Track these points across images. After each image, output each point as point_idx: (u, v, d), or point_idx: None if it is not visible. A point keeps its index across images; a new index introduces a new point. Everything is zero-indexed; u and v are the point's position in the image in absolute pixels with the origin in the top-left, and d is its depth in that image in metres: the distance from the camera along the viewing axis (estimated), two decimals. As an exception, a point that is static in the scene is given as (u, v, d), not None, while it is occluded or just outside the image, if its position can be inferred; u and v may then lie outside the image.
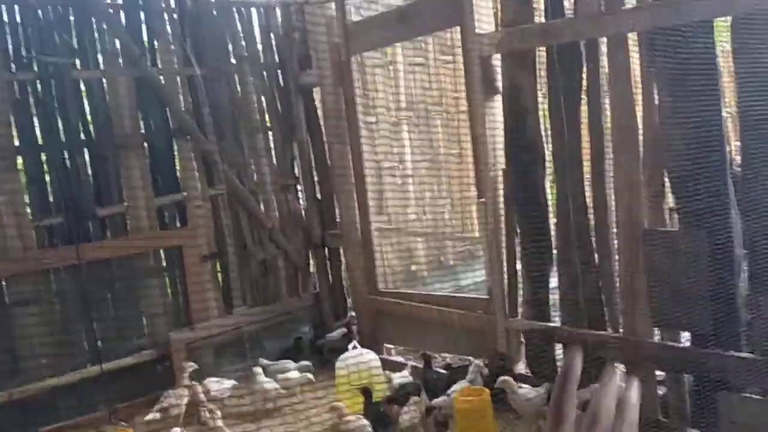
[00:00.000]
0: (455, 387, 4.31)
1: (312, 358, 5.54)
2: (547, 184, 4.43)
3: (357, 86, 5.80)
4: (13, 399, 4.72)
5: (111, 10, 5.27)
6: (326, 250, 6.34)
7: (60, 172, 5.04)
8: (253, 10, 5.99)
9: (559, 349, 4.54)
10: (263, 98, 6.07)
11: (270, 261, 6.05)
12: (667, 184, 3.75)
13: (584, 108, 4.09)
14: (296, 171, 6.29)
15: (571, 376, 0.90)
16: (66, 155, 5.09)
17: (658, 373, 3.99)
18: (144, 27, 5.44)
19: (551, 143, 4.29)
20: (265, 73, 6.06)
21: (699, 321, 3.60)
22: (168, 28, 5.48)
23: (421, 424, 4.21)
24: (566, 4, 4.12)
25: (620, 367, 3.84)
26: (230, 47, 5.84)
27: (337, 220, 6.14)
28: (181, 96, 5.52)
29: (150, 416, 4.61)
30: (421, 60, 7.31)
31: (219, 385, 4.89)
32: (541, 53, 4.28)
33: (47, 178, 5.05)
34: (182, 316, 5.55)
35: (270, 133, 6.14)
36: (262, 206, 6.01)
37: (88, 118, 5.23)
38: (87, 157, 5.22)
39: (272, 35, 6.11)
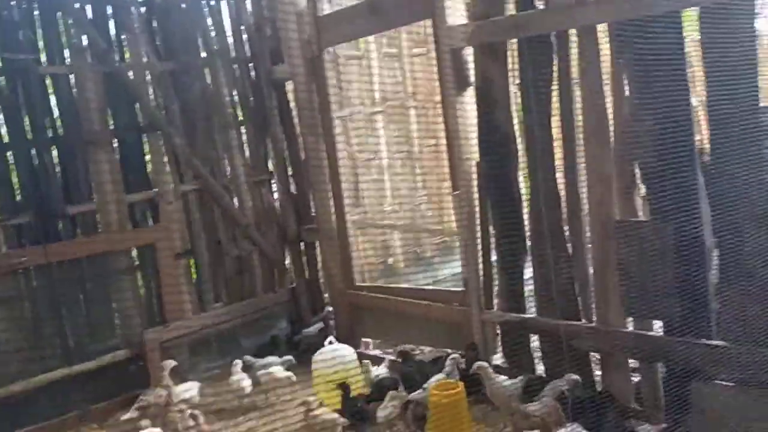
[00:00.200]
0: (432, 380, 4.31)
1: (289, 354, 5.51)
2: (520, 177, 4.44)
3: (330, 79, 5.75)
4: (-17, 402, 4.64)
5: (77, 5, 5.17)
6: (302, 245, 6.30)
7: (27, 170, 4.95)
8: (223, 4, 5.91)
9: (534, 341, 4.56)
10: (235, 92, 6.00)
11: (245, 257, 6.00)
12: (638, 175, 3.78)
13: (557, 100, 4.10)
14: (270, 166, 6.24)
15: None
16: (33, 153, 4.99)
17: (631, 361, 4.04)
18: (111, 21, 5.33)
19: (523, 135, 4.30)
20: (236, 66, 5.99)
21: (670, 310, 3.64)
22: (136, 22, 5.39)
23: (400, 418, 4.22)
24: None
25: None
26: (200, 41, 5.76)
27: (313, 214, 6.10)
28: (151, 91, 5.44)
29: (128, 415, 4.57)
30: (394, 51, 7.30)
31: (188, 391, 4.79)
32: (513, 45, 4.28)
33: (14, 176, 4.95)
34: (156, 315, 5.49)
35: (243, 127, 6.08)
36: (235, 202, 5.96)
37: (56, 114, 5.14)
38: (55, 155, 5.13)
39: (243, 29, 6.04)
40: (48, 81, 5.12)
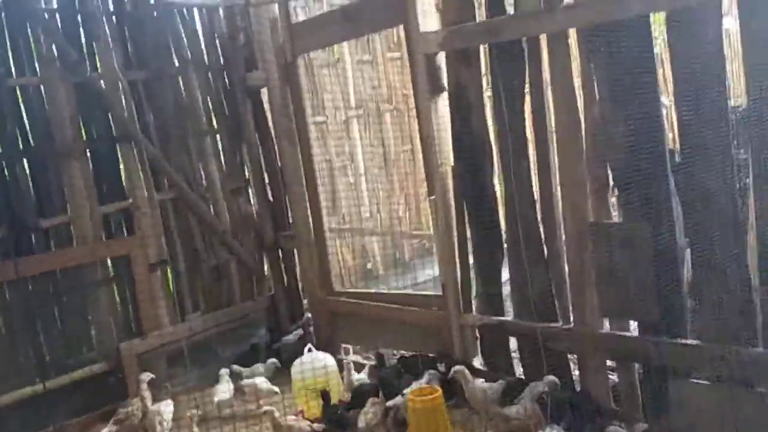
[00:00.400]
0: (413, 386, 4.31)
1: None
2: (495, 180, 4.47)
3: (305, 86, 5.74)
4: (-44, 420, 4.56)
5: (46, 15, 5.10)
6: (280, 252, 6.28)
7: (-2, 184, 4.88)
8: (196, 12, 5.87)
9: (513, 343, 4.59)
10: (209, 100, 5.97)
11: (222, 265, 5.97)
12: (611, 176, 3.82)
13: (529, 104, 4.14)
14: (246, 173, 6.21)
15: None
16: (4, 165, 4.92)
17: (609, 362, 4.08)
18: (82, 31, 5.27)
19: (497, 140, 4.33)
20: (210, 74, 5.96)
21: (645, 310, 3.68)
22: (107, 31, 5.33)
23: (381, 424, 4.22)
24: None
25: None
26: (173, 49, 5.72)
27: (290, 221, 6.08)
28: (124, 100, 5.38)
29: (106, 430, 4.51)
30: (369, 57, 7.32)
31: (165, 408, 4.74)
32: (485, 50, 4.31)
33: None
34: (133, 326, 5.43)
35: (218, 135, 6.05)
36: (212, 210, 5.92)
37: (27, 126, 5.06)
38: (27, 167, 5.05)
39: (216, 36, 6.01)
40: (17, 92, 5.04)
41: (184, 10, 5.80)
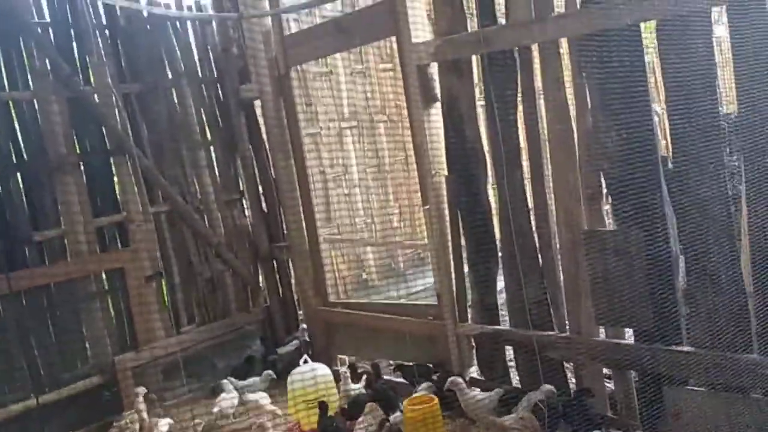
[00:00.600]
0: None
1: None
2: (489, 189, 4.48)
3: (298, 97, 5.76)
4: (-50, 437, 4.53)
5: (39, 29, 5.11)
6: (275, 263, 6.27)
7: (-9, 198, 4.86)
8: (189, 25, 5.89)
9: (509, 352, 4.59)
10: (203, 113, 5.98)
11: (217, 277, 5.96)
12: (604, 184, 3.84)
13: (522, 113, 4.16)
14: (240, 185, 6.22)
15: None
16: (-3, 180, 4.91)
17: (605, 370, 4.09)
18: (75, 45, 5.28)
19: (490, 149, 4.34)
20: (203, 87, 5.97)
21: (640, 317, 3.69)
22: (100, 45, 5.34)
23: (377, 436, 4.21)
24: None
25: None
26: (166, 62, 5.73)
27: (285, 232, 6.08)
28: (117, 113, 5.38)
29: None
30: (362, 68, 7.34)
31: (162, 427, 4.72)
32: (477, 60, 4.33)
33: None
34: (128, 339, 5.41)
35: (212, 147, 6.05)
36: (206, 222, 5.91)
37: (20, 140, 5.06)
38: (20, 181, 5.04)
39: (209, 49, 6.03)
40: (10, 106, 5.03)
41: (177, 24, 5.81)
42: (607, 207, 4.08)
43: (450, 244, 4.61)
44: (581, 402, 3.84)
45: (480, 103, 4.50)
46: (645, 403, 3.80)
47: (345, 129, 7.22)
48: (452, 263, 4.63)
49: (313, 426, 4.48)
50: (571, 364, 4.23)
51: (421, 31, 4.49)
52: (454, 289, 4.65)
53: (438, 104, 4.53)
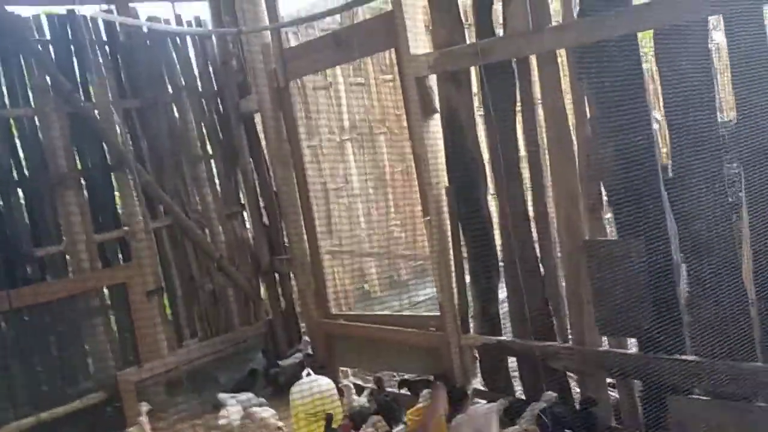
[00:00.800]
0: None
1: (267, 386, 5.46)
2: (490, 199, 4.48)
3: (298, 110, 5.77)
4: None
5: (39, 46, 5.13)
6: (276, 276, 6.27)
7: (-7, 215, 4.87)
8: (188, 40, 5.92)
9: (512, 362, 4.57)
10: (203, 127, 6.00)
11: (219, 291, 5.95)
12: (604, 193, 3.84)
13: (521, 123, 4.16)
14: (241, 198, 6.22)
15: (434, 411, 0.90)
16: (-2, 196, 4.93)
17: (609, 379, 4.07)
18: (75, 61, 5.30)
19: (489, 159, 4.35)
20: (203, 101, 6.00)
21: (643, 326, 3.67)
22: (100, 60, 5.37)
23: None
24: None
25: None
26: (166, 77, 5.76)
27: (286, 245, 6.08)
28: (118, 129, 5.40)
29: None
30: (362, 80, 7.37)
31: None
32: (476, 71, 4.35)
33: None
34: (130, 355, 5.40)
35: (212, 161, 6.07)
36: (208, 236, 5.92)
37: (21, 156, 5.08)
38: (21, 197, 5.06)
39: (209, 63, 6.06)
40: (11, 123, 5.06)
41: (177, 39, 5.84)
42: (608, 216, 4.08)
43: (451, 254, 4.60)
44: (587, 412, 3.82)
45: (479, 113, 4.51)
46: (649, 413, 3.78)
47: (345, 140, 7.24)
48: (454, 274, 4.63)
49: (317, 438, 4.47)
50: (575, 374, 4.21)
51: (420, 42, 4.51)
52: (456, 299, 4.64)
53: (437, 115, 4.54)
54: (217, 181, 6.05)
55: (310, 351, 5.80)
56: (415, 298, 6.38)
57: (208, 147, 6.04)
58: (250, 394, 5.15)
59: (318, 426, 4.45)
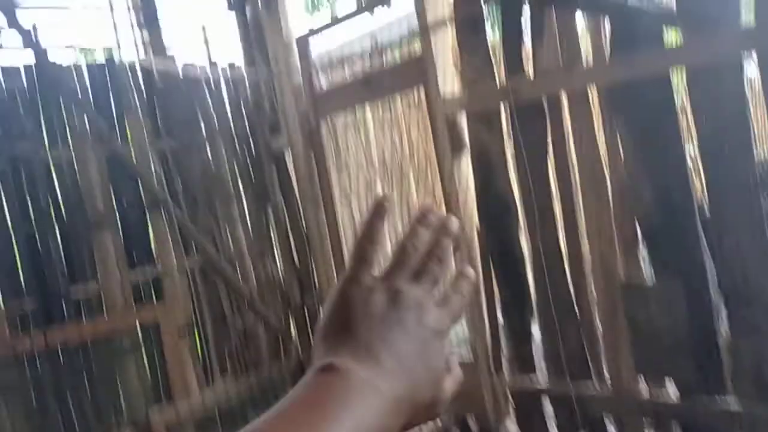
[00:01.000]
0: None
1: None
2: (522, 238, 4.44)
3: (328, 148, 5.84)
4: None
5: (79, 90, 5.29)
6: (306, 313, 6.27)
7: (31, 255, 4.97)
8: (222, 83, 6.06)
9: (547, 404, 4.48)
10: (236, 166, 6.10)
11: (250, 329, 5.97)
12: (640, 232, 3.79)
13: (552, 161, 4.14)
14: (272, 236, 6.27)
15: (376, 216, 0.83)
16: (37, 237, 5.03)
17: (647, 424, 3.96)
18: (113, 104, 5.45)
19: (520, 197, 4.33)
20: (236, 141, 6.10)
21: (682, 369, 3.58)
22: (137, 103, 5.51)
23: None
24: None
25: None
26: (200, 119, 5.88)
27: (316, 283, 6.09)
28: (153, 169, 5.51)
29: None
30: (390, 117, 7.42)
31: None
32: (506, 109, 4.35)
33: (18, 261, 4.97)
34: (161, 393, 5.41)
35: (244, 200, 6.14)
36: (239, 274, 5.96)
37: (59, 197, 5.20)
38: (58, 237, 5.16)
39: (242, 105, 6.18)
40: (50, 165, 5.19)
41: (212, 82, 5.98)
42: (644, 253, 4.02)
43: (483, 294, 4.56)
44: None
45: (510, 151, 4.50)
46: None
47: (375, 177, 7.27)
48: (486, 314, 4.58)
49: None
50: (612, 417, 4.11)
51: (449, 81, 4.55)
52: (489, 340, 4.58)
53: (467, 153, 4.55)
54: (248, 220, 6.12)
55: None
56: (450, 337, 6.30)
57: (240, 186, 6.12)
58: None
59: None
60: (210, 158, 5.92)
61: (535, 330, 4.43)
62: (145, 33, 5.78)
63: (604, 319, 3.94)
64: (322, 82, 5.87)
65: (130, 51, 5.68)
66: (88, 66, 5.38)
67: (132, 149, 5.45)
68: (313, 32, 5.70)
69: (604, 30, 3.70)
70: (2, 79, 5.03)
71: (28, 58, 5.15)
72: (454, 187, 4.51)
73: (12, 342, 4.74)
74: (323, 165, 5.65)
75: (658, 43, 3.52)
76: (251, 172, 6.18)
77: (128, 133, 5.49)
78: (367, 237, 0.82)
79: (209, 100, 5.96)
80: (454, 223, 0.84)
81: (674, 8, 3.40)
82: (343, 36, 6.48)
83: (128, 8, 5.73)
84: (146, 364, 5.45)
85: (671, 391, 3.84)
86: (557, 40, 3.84)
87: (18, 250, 4.98)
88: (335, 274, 5.71)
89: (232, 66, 6.25)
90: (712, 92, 3.33)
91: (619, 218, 3.82)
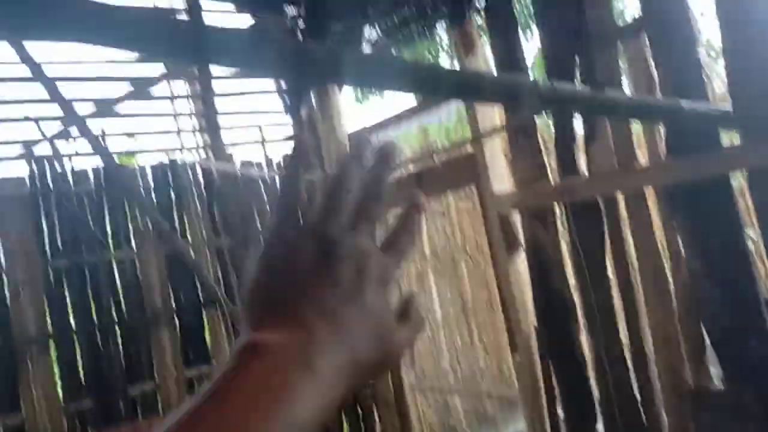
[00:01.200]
0: None
1: None
2: (583, 339, 4.32)
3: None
4: None
5: (143, 192, 5.52)
6: (360, 412, 6.16)
7: (91, 354, 5.07)
8: (278, 182, 6.24)
9: None
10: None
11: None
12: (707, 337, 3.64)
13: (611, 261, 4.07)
14: (325, 331, 6.26)
15: (294, 163, 0.75)
16: (98, 337, 5.14)
17: None
18: (174, 204, 5.65)
19: (579, 296, 4.24)
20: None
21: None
22: (197, 203, 5.70)
23: None
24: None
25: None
26: (256, 217, 6.03)
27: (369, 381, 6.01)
28: (210, 266, 5.64)
29: None
30: (441, 208, 7.47)
31: None
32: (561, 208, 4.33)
33: (79, 360, 5.07)
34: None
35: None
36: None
37: (120, 296, 5.33)
38: (118, 335, 5.26)
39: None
40: (113, 265, 5.36)
41: (267, 181, 6.17)
42: (712, 358, 3.85)
43: (543, 393, 4.41)
44: None
45: (566, 249, 4.45)
46: None
47: (426, 268, 7.26)
48: (546, 413, 4.41)
49: None
50: None
51: (502, 179, 4.57)
52: (551, 443, 4.40)
53: (522, 251, 4.51)
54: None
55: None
56: (504, 434, 6.09)
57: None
58: None
59: None
60: (265, 254, 6.02)
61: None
62: (206, 136, 6.05)
63: (674, 427, 3.75)
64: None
65: (191, 152, 5.94)
66: (152, 168, 5.63)
67: (190, 247, 5.60)
68: (365, 130, 5.87)
69: (658, 131, 3.69)
70: (72, 183, 5.28)
71: (96, 162, 5.43)
72: (510, 286, 4.46)
73: (70, 442, 4.77)
74: (376, 259, 5.68)
75: (716, 145, 3.48)
76: (304, 267, 6.24)
77: (187, 230, 5.66)
78: (290, 185, 0.72)
79: (265, 197, 6.13)
80: (393, 151, 0.72)
81: (731, 110, 3.38)
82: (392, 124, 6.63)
83: (191, 114, 6.03)
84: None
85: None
86: (611, 141, 3.84)
87: (80, 348, 5.09)
88: (388, 372, 5.63)
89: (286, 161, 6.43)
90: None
91: (684, 318, 3.68)
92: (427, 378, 6.67)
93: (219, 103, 6.21)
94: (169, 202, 5.63)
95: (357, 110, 14.35)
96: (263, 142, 6.32)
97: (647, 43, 3.62)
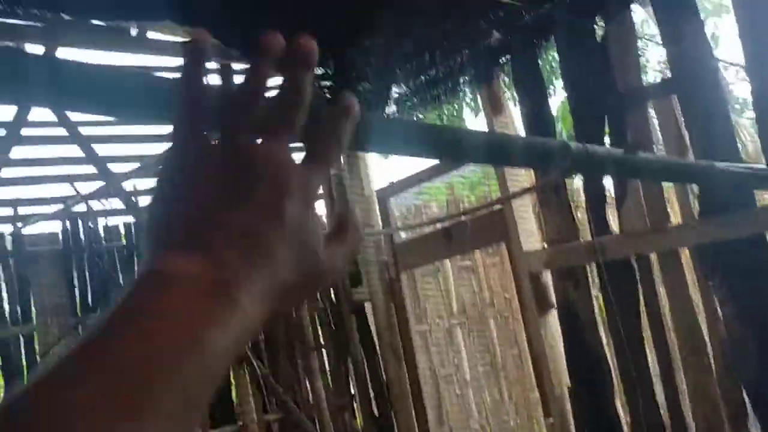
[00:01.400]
0: None
1: None
2: (618, 402, 4.20)
3: (408, 297, 5.84)
4: None
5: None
6: (387, 472, 6.02)
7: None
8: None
9: None
10: (317, 318, 6.15)
11: (329, 489, 5.76)
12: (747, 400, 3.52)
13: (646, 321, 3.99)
14: (352, 389, 6.18)
15: (194, 58, 0.63)
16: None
17: None
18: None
19: (613, 357, 4.14)
20: (318, 293, 6.20)
21: None
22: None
23: None
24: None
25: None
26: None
27: (397, 439, 5.89)
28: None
29: None
30: (469, 263, 7.44)
31: None
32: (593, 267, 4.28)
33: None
34: None
35: (324, 351, 6.14)
36: (317, 428, 5.84)
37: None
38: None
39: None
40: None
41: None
42: (755, 421, 3.71)
43: (578, 459, 4.28)
44: None
45: (599, 309, 4.38)
46: None
47: (454, 325, 7.18)
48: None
49: None
50: None
51: (532, 237, 4.54)
52: None
53: (554, 311, 4.44)
54: (328, 372, 6.08)
55: None
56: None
57: (321, 338, 6.15)
58: None
59: None
60: (293, 311, 6.01)
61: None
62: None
63: (718, 497, 3.59)
64: (401, 229, 5.99)
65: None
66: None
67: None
68: (392, 186, 5.91)
69: (691, 189, 3.66)
70: (104, 238, 5.37)
71: (128, 218, 5.52)
72: (542, 347, 4.38)
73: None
74: (403, 315, 5.64)
75: (750, 203, 3.43)
76: (332, 324, 6.21)
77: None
78: (190, 87, 0.62)
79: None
80: (310, 48, 0.61)
81: (765, 167, 3.34)
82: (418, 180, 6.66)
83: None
84: None
85: None
86: (642, 200, 3.81)
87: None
88: (416, 426, 5.52)
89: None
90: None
91: (724, 382, 3.57)
92: (455, 437, 6.52)
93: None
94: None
95: (382, 165, 14.51)
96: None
97: (677, 103, 3.62)
